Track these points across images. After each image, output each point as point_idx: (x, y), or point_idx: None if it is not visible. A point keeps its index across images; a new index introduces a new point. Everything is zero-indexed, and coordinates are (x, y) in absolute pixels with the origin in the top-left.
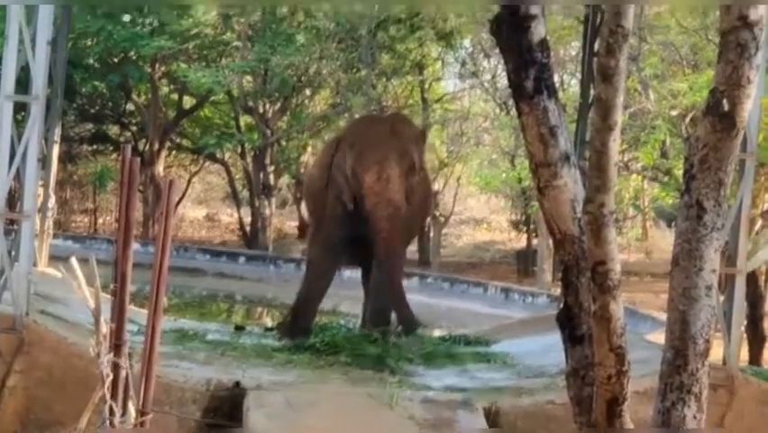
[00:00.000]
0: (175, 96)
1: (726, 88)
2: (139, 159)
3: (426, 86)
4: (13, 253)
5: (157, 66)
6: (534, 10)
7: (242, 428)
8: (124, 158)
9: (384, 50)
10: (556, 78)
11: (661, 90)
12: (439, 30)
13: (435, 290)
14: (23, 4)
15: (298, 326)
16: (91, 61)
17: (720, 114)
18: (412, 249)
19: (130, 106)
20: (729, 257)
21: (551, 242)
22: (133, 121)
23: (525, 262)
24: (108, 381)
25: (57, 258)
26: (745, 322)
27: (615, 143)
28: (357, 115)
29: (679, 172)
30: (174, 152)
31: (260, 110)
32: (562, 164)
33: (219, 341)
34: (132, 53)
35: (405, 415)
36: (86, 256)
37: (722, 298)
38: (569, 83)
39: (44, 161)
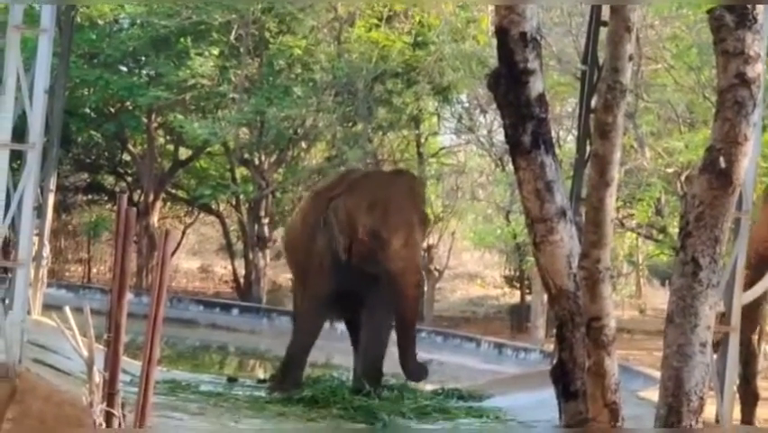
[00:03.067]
0: (171, 147)
1: (723, 146)
2: (134, 209)
3: (423, 140)
4: (7, 301)
5: (153, 116)
6: (533, 65)
7: None
8: (120, 207)
9: (381, 104)
10: (552, 134)
11: (656, 148)
12: (436, 84)
13: (428, 344)
14: (20, 50)
15: (290, 379)
16: (87, 111)
17: (717, 171)
18: None
19: (126, 156)
20: (723, 315)
21: (544, 297)
22: (129, 171)
23: (518, 318)
24: (101, 430)
25: (50, 307)
26: (737, 381)
27: (611, 199)
28: (343, 168)
29: (674, 230)
30: (169, 203)
31: (256, 162)
32: (558, 219)
33: (211, 392)
34: (128, 103)
35: None
36: (80, 306)
37: (715, 356)
38: (565, 139)
39: (39, 210)
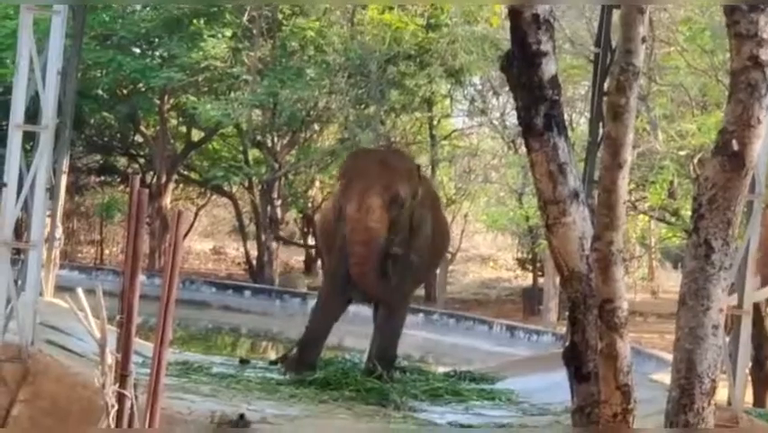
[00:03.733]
0: (183, 129)
1: (736, 128)
2: (147, 190)
3: (435, 122)
4: (19, 282)
5: (166, 98)
6: (546, 47)
7: None
8: (133, 188)
9: (393, 86)
10: (565, 117)
11: (669, 130)
12: (449, 66)
13: (441, 327)
14: (33, 31)
15: (304, 361)
16: (100, 92)
17: (730, 154)
18: None
19: (138, 138)
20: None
21: (557, 280)
22: (141, 153)
23: (530, 301)
24: (113, 411)
25: (63, 288)
26: (750, 364)
27: (624, 182)
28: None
29: (686, 213)
30: (181, 185)
31: (269, 144)
32: (570, 202)
33: (224, 374)
34: (141, 85)
35: None
36: (93, 287)
37: (727, 338)
38: (578, 121)
39: (52, 191)
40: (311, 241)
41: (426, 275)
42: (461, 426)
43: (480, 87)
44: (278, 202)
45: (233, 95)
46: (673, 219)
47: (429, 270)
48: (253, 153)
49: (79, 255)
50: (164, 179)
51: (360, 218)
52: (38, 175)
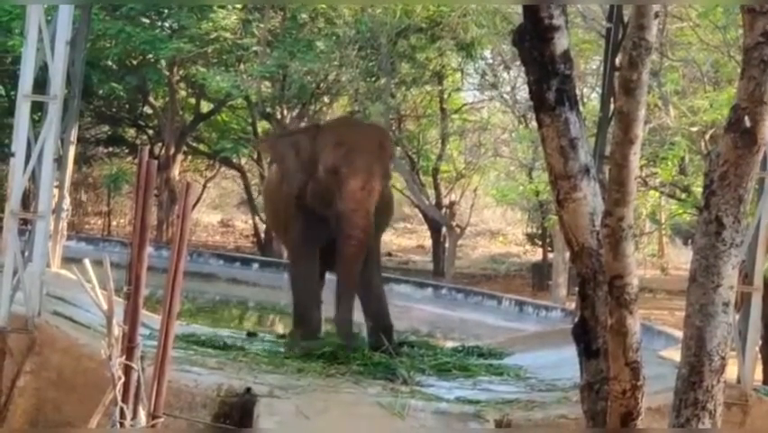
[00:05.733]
0: (192, 100)
1: (749, 105)
2: (155, 162)
3: (445, 96)
4: (26, 253)
5: (175, 69)
6: (558, 21)
7: None
8: (141, 160)
9: (404, 59)
10: (577, 92)
11: (681, 106)
12: (460, 40)
13: (449, 302)
14: (43, 4)
15: (306, 332)
16: (109, 63)
17: (742, 130)
18: (426, 259)
19: (147, 109)
20: (746, 275)
21: (566, 255)
22: (150, 124)
23: (539, 276)
24: (119, 383)
25: (70, 259)
26: (760, 343)
27: (635, 157)
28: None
29: (697, 189)
30: (190, 157)
31: (278, 116)
32: (581, 177)
33: (231, 347)
34: (150, 56)
35: (415, 425)
36: (100, 258)
37: (737, 316)
38: (589, 96)
39: (60, 162)
40: None
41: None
42: (469, 401)
43: (491, 61)
44: None
45: (242, 66)
46: (684, 195)
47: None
48: (262, 125)
49: (87, 226)
50: (172, 150)
51: (363, 200)
52: (46, 145)
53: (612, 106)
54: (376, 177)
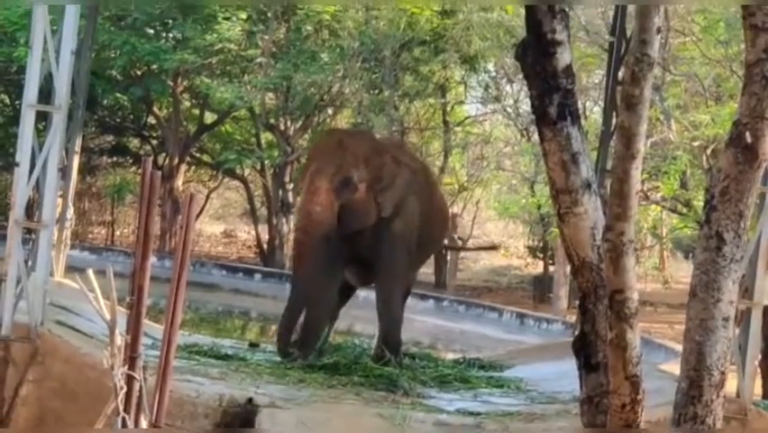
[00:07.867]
0: (196, 111)
1: (750, 121)
2: (159, 172)
3: (448, 109)
4: (29, 262)
5: (179, 80)
6: (560, 36)
7: None
8: (145, 170)
9: (407, 72)
10: (579, 106)
11: (683, 121)
12: (463, 53)
13: (451, 314)
14: (48, 11)
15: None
16: (114, 73)
17: (743, 146)
18: (428, 271)
19: (151, 120)
20: (746, 290)
21: (567, 268)
22: (154, 134)
23: (541, 289)
24: (122, 393)
25: (73, 269)
26: (760, 357)
27: (637, 172)
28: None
29: (698, 204)
30: (193, 167)
31: (282, 127)
32: (582, 191)
33: (233, 357)
34: (154, 67)
35: None
36: (103, 268)
37: (737, 330)
38: (591, 110)
39: (64, 172)
40: None
41: (422, 258)
42: (470, 413)
43: (494, 74)
44: (290, 186)
45: (246, 78)
46: (685, 210)
47: (423, 253)
48: (266, 137)
49: (90, 236)
50: (176, 161)
51: (304, 202)
52: (50, 155)
53: (614, 120)
54: (321, 177)
